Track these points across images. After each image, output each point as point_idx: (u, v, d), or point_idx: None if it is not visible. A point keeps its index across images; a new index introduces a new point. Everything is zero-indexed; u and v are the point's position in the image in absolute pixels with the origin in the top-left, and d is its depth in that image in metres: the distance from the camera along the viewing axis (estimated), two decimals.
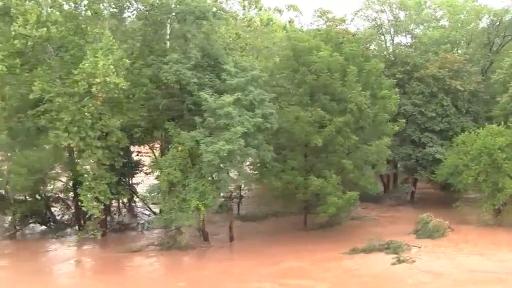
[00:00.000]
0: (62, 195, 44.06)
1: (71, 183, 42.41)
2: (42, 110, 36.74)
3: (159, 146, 48.06)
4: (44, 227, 43.67)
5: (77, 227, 42.78)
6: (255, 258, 37.79)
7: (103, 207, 38.56)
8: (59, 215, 44.57)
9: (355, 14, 58.28)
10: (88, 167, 36.74)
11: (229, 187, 38.31)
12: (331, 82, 40.51)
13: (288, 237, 42.02)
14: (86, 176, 36.86)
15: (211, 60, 39.55)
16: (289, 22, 58.09)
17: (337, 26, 55.36)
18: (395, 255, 36.29)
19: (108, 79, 33.65)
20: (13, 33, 35.02)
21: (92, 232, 38.70)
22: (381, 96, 42.77)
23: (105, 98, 35.38)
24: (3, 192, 41.81)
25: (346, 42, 43.29)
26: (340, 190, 40.00)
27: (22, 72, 38.62)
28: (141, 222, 44.89)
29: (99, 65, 33.70)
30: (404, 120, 45.38)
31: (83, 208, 37.48)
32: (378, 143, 41.11)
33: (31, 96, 35.48)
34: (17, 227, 42.05)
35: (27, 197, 41.39)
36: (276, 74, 42.98)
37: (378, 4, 57.15)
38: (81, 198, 37.26)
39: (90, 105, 35.36)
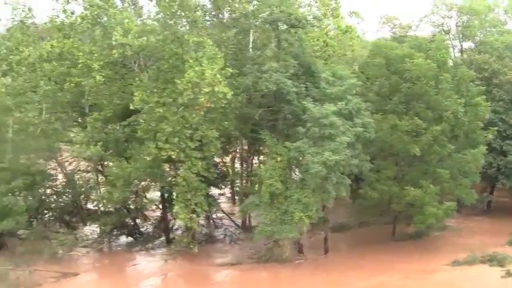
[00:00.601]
0: (150, 207, 43.11)
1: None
2: (136, 121, 36.19)
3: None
4: (130, 239, 42.62)
5: (163, 239, 41.96)
6: (350, 272, 37.12)
7: (199, 219, 37.59)
8: (144, 227, 43.57)
9: (421, 20, 57.39)
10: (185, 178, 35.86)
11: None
12: (426, 90, 39.61)
13: (379, 249, 41.08)
14: (183, 187, 36.02)
15: (304, 68, 38.69)
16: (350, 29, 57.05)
17: (406, 32, 54.55)
18: (502, 268, 35.30)
19: (216, 89, 32.82)
20: (113, 42, 34.31)
21: (186, 245, 37.80)
22: (473, 104, 41.83)
23: (209, 108, 34.56)
24: (93, 205, 41.07)
25: (434, 49, 42.28)
26: (436, 200, 39.13)
27: (114, 83, 38.17)
28: (228, 234, 43.71)
29: (207, 74, 32.89)
30: (495, 128, 44.31)
31: (179, 220, 36.62)
32: (474, 152, 40.17)
33: (131, 107, 34.73)
34: (105, 240, 41.08)
35: (115, 209, 40.36)
36: (366, 82, 42.11)
37: (446, 9, 56.20)
38: (176, 210, 36.54)
39: (194, 115, 34.56)
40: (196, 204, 36.65)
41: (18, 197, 37.23)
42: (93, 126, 37.61)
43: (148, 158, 35.14)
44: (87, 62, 35.92)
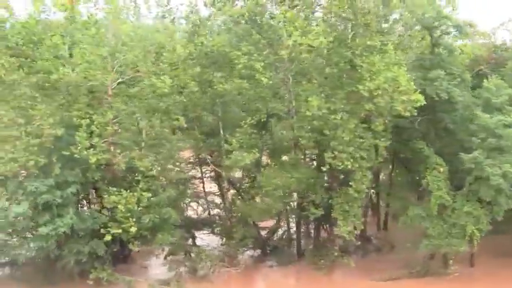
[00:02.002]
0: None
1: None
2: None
3: None
4: (259, 252, 40.36)
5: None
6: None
7: (357, 231, 35.99)
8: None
9: (499, 27, 57.30)
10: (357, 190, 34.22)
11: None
12: None
13: None
14: (355, 198, 34.40)
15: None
16: None
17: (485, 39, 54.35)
18: None
19: (413, 97, 31.37)
20: (289, 42, 32.29)
21: (345, 259, 36.27)
22: None
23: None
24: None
25: None
26: None
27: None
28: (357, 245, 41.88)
29: (401, 81, 31.37)
30: None
31: (342, 233, 34.90)
32: None
33: (308, 113, 32.77)
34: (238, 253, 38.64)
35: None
36: None
37: None
38: (339, 222, 34.90)
39: (377, 124, 33.04)
40: (354, 216, 35.23)
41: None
42: (246, 132, 35.43)
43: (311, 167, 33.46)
44: (249, 63, 33.69)
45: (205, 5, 37.91)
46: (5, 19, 31.68)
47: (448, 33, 37.52)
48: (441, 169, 35.71)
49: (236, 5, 37.33)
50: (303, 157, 38.30)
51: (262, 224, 41.06)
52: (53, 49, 31.77)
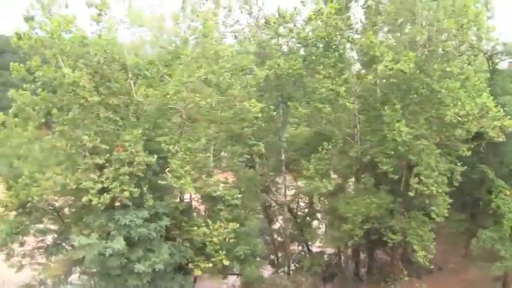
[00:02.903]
0: None
1: None
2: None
3: None
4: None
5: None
6: None
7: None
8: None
9: None
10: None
11: None
12: None
13: None
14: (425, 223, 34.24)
15: None
16: None
17: None
18: None
19: (506, 122, 31.45)
20: (387, 67, 31.72)
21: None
22: None
23: None
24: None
25: None
26: None
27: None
28: None
29: (490, 106, 31.43)
30: None
31: (418, 257, 34.43)
32: None
33: (398, 139, 32.16)
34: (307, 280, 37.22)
35: None
36: None
37: None
38: (415, 247, 34.45)
39: (463, 149, 32.93)
40: (427, 240, 34.97)
41: None
42: (322, 158, 34.40)
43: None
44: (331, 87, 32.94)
45: (267, 24, 36.71)
46: (85, 36, 28.88)
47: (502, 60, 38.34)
48: (507, 192, 36.18)
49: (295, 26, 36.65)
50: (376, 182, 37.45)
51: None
52: (136, 69, 29.46)
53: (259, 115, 30.46)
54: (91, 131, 28.24)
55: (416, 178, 32.84)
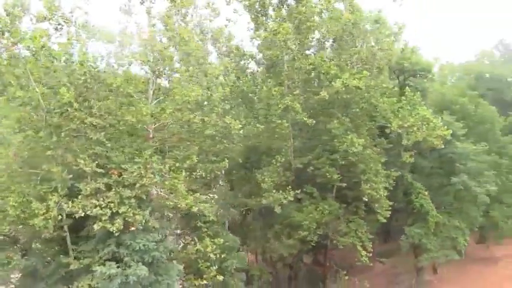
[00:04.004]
0: None
1: None
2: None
3: None
4: None
5: None
6: None
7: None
8: None
9: None
10: None
11: None
12: None
13: None
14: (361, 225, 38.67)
15: None
16: None
17: None
18: None
19: (445, 132, 36.06)
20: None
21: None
22: None
23: None
24: None
25: None
26: None
27: None
28: None
29: (430, 118, 36.12)
30: None
31: (361, 257, 37.92)
32: None
33: (354, 150, 35.38)
34: None
35: None
36: None
37: None
38: (359, 248, 38.00)
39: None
40: (365, 240, 38.80)
41: None
42: (275, 171, 36.37)
43: None
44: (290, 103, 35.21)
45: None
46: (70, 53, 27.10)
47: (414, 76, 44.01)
48: (426, 192, 41.54)
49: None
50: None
51: None
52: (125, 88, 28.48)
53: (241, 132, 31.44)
54: (84, 154, 26.72)
55: (368, 184, 36.37)
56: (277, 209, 35.35)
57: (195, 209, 29.24)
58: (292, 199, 35.56)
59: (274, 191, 35.47)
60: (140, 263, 25.80)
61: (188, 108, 29.07)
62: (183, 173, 28.11)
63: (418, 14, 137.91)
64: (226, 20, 37.37)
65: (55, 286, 27.14)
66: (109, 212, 25.63)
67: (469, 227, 42.17)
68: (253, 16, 38.69)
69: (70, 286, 26.68)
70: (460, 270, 44.89)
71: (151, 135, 30.24)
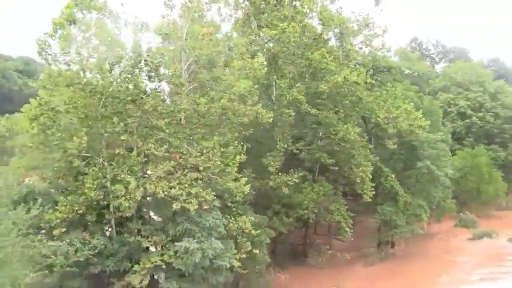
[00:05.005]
0: None
1: None
2: None
3: None
4: None
5: None
6: None
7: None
8: None
9: None
10: None
11: None
12: None
13: None
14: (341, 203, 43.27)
15: None
16: None
17: None
18: None
19: (424, 123, 41.93)
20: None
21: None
22: None
23: None
24: None
25: None
26: None
27: None
28: None
29: (411, 110, 41.72)
30: None
31: (345, 233, 42.90)
32: None
33: (351, 137, 40.18)
34: None
35: None
36: None
37: None
38: (344, 225, 42.94)
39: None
40: (347, 218, 43.93)
41: None
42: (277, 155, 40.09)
43: None
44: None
45: None
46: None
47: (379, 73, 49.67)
48: (393, 175, 47.34)
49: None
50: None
51: None
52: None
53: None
54: (151, 139, 28.82)
55: (360, 168, 41.23)
56: (285, 190, 39.00)
57: (236, 190, 32.01)
58: (297, 181, 39.48)
59: (279, 173, 39.14)
60: (213, 238, 28.49)
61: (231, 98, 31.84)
62: (235, 158, 31.14)
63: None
64: None
65: (121, 263, 28.98)
66: (184, 193, 27.99)
67: (428, 205, 48.65)
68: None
69: (138, 263, 28.64)
70: (412, 244, 51.53)
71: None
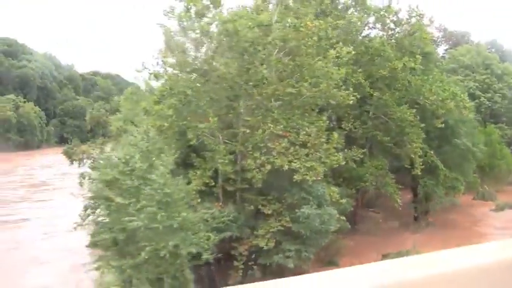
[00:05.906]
0: None
1: None
2: None
3: None
4: None
5: None
6: None
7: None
8: None
9: None
10: None
11: None
12: None
13: None
14: None
15: None
16: None
17: None
18: None
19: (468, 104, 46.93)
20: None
21: None
22: None
23: None
24: None
25: None
26: None
27: None
28: None
29: (459, 94, 46.63)
30: None
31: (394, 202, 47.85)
32: None
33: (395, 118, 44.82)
34: None
35: None
36: None
37: None
38: (394, 196, 47.86)
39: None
40: (397, 191, 48.86)
41: None
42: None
43: None
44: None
45: None
46: None
47: None
48: (431, 152, 52.29)
49: None
50: None
51: None
52: None
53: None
54: (267, 119, 32.89)
55: (414, 145, 46.01)
56: (352, 164, 43.58)
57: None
58: (361, 156, 44.06)
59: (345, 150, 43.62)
60: (325, 205, 32.87)
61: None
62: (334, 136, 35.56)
63: None
64: None
65: (242, 229, 33.06)
66: (303, 166, 32.17)
67: (463, 179, 53.86)
68: None
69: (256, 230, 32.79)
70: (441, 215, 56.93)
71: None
